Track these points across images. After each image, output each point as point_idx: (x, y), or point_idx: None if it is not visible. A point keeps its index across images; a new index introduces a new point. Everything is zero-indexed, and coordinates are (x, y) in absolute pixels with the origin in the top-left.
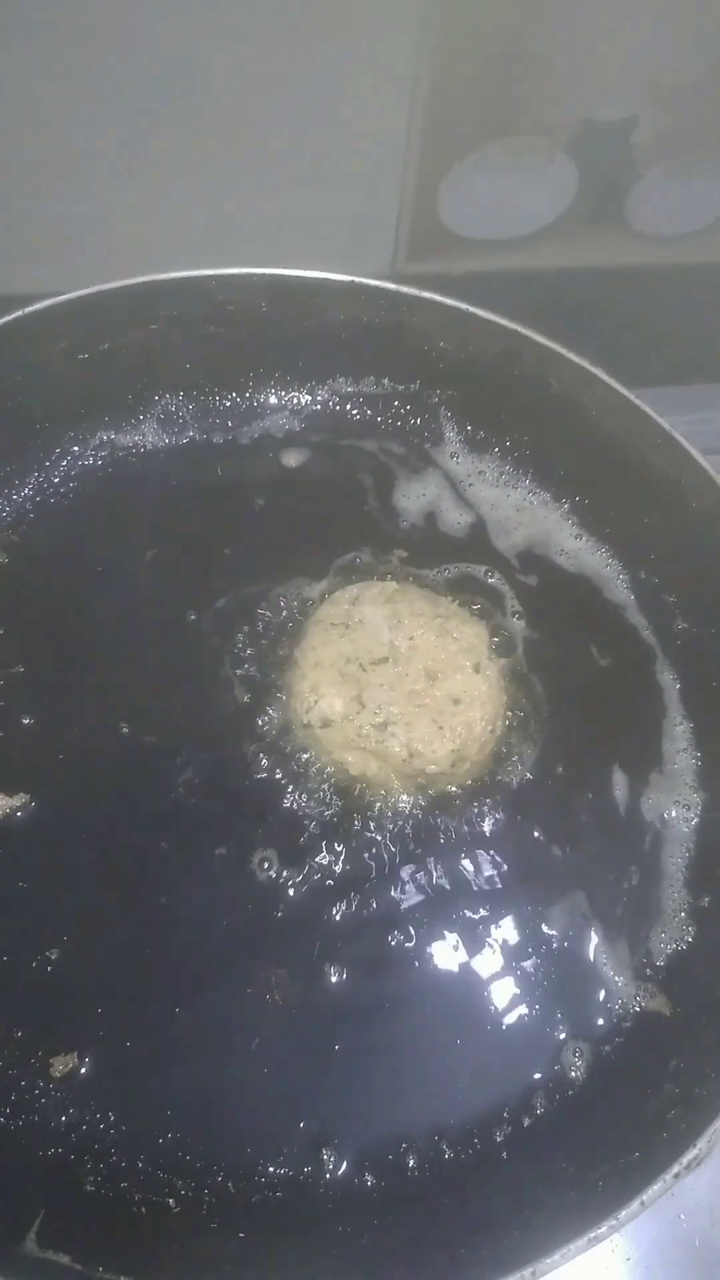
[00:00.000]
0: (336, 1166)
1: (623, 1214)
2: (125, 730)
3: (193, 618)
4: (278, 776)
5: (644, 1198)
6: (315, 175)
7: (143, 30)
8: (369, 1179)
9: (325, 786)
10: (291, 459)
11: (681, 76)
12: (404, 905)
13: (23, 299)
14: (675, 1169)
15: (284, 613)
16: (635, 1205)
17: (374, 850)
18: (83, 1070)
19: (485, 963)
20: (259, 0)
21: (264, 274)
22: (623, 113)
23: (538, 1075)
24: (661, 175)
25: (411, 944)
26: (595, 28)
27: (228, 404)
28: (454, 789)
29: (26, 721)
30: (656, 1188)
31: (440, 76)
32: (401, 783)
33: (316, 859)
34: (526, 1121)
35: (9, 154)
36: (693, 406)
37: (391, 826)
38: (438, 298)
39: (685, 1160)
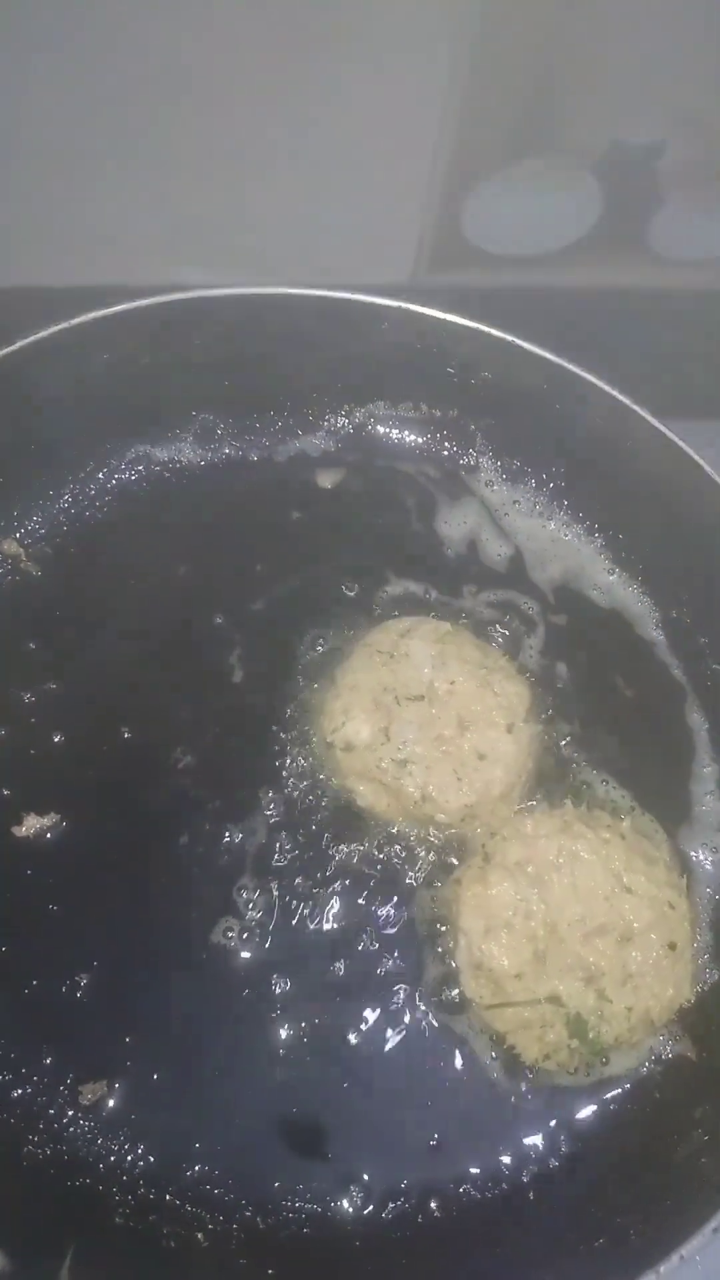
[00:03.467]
0: (364, 1204)
1: (662, 1269)
2: (155, 749)
3: (221, 627)
4: (297, 801)
5: (683, 1252)
6: (342, 184)
7: (177, 39)
8: (397, 1218)
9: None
10: (326, 479)
11: (710, 105)
12: (435, 947)
13: (40, 291)
14: (714, 1223)
15: (316, 634)
16: (675, 1260)
17: (398, 890)
18: (111, 1100)
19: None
20: (296, 15)
21: (309, 295)
22: (651, 138)
23: (564, 1117)
24: (685, 201)
25: (442, 984)
26: (627, 54)
27: (265, 422)
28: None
29: (58, 739)
30: (696, 1242)
31: (472, 94)
32: (408, 824)
33: (343, 896)
34: (553, 1163)
35: (45, 152)
36: None
37: (412, 866)
38: (484, 327)
39: None
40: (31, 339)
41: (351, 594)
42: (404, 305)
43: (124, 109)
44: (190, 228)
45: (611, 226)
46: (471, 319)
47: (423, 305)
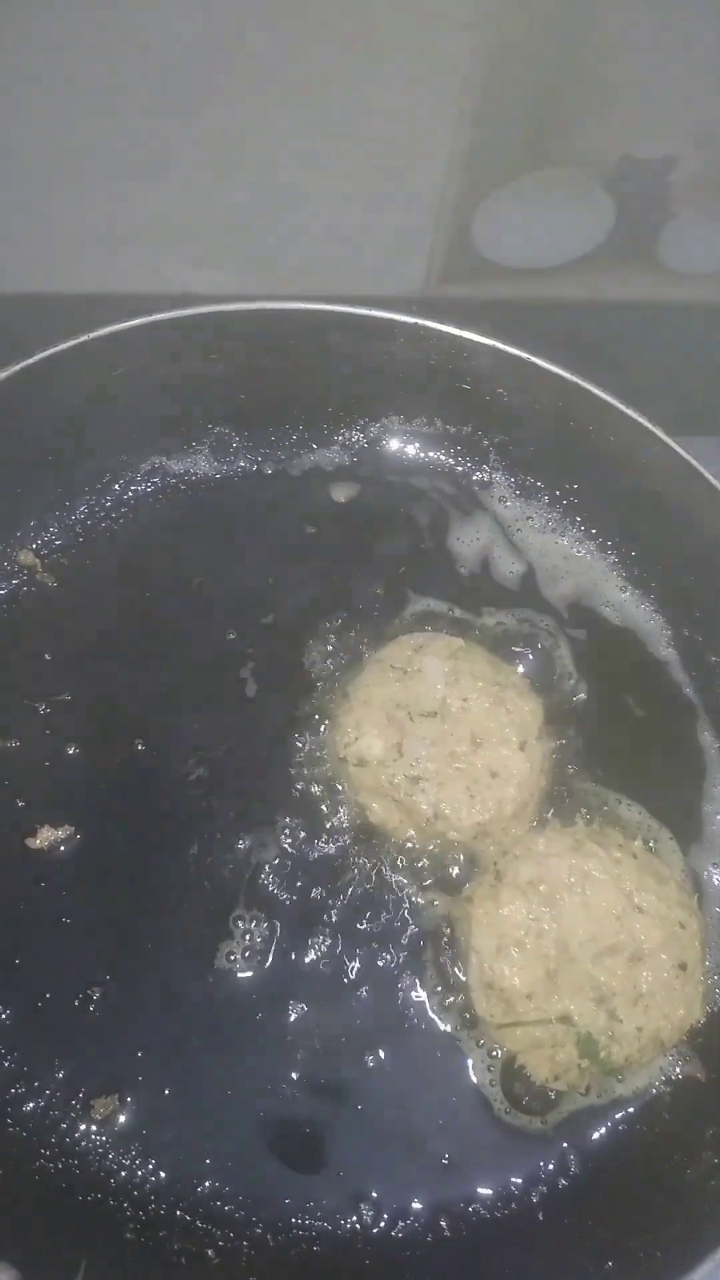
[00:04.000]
0: (374, 1222)
1: None
2: (169, 762)
3: (234, 640)
4: (309, 817)
5: (693, 1279)
6: (355, 195)
7: (193, 44)
8: (407, 1236)
9: (337, 833)
10: (340, 493)
11: None
12: (446, 965)
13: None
14: None
15: (328, 646)
16: None
17: (409, 907)
18: (122, 1115)
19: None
20: (311, 24)
21: (326, 310)
22: (662, 151)
23: (573, 1138)
24: (696, 215)
25: (449, 1004)
26: (640, 69)
27: (280, 435)
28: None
29: (72, 751)
30: (706, 1267)
31: (485, 106)
32: (420, 841)
33: (354, 913)
34: (562, 1184)
35: (60, 158)
36: None
37: (423, 884)
38: (500, 345)
39: None
40: (50, 352)
41: (364, 609)
42: (419, 321)
43: (139, 118)
44: (202, 236)
45: (622, 240)
46: (486, 335)
47: (438, 321)
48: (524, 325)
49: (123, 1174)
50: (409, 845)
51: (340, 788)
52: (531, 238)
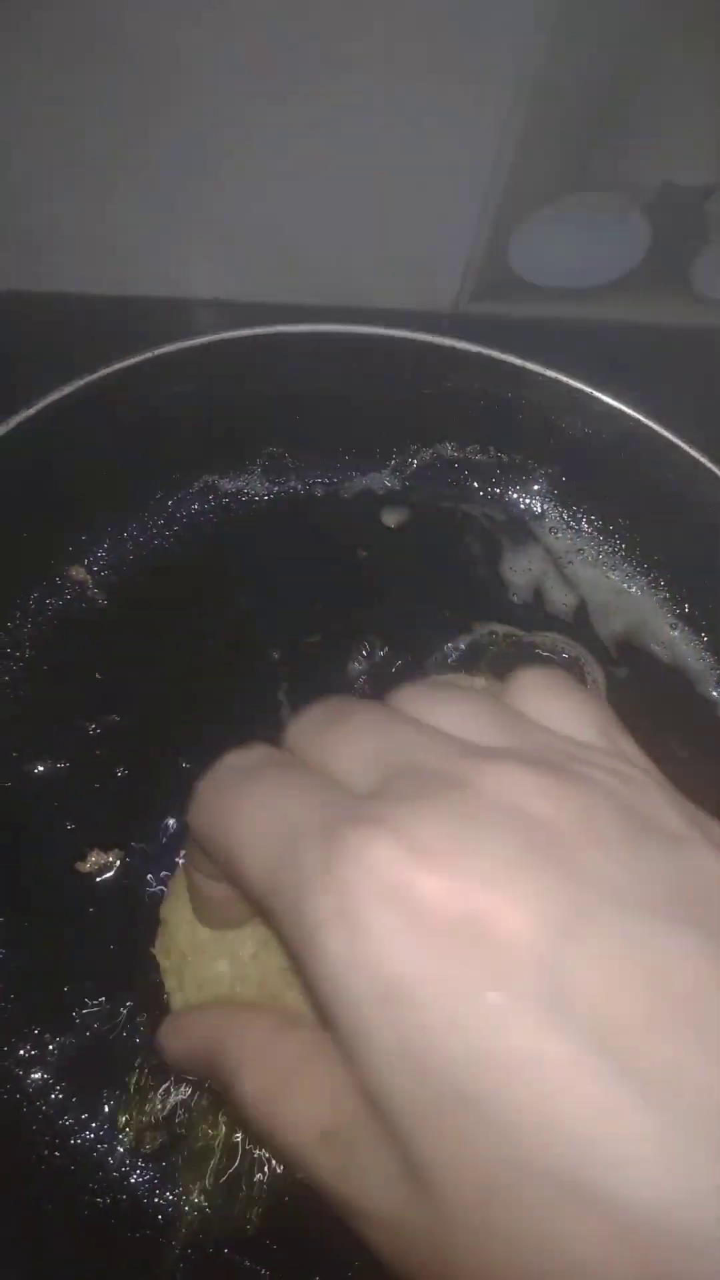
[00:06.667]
0: None
1: None
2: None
3: (277, 661)
4: None
5: None
6: (391, 208)
7: (235, 55)
8: None
9: None
10: (391, 518)
11: None
12: None
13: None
14: None
15: (370, 671)
16: None
17: None
18: (171, 1148)
19: None
20: (359, 39)
21: (386, 335)
22: (703, 179)
23: None
24: None
25: None
26: (685, 97)
27: (332, 457)
28: None
29: (120, 773)
30: None
31: (529, 128)
32: None
33: None
34: None
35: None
36: None
37: None
38: (560, 377)
39: None
40: (113, 368)
41: (411, 634)
42: (480, 350)
43: (182, 128)
44: (236, 243)
45: (656, 264)
46: (547, 367)
47: (499, 350)
48: (553, 345)
49: (170, 1210)
50: None
51: None
52: (568, 259)
